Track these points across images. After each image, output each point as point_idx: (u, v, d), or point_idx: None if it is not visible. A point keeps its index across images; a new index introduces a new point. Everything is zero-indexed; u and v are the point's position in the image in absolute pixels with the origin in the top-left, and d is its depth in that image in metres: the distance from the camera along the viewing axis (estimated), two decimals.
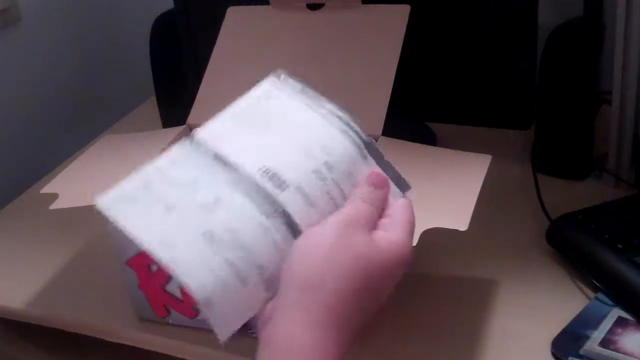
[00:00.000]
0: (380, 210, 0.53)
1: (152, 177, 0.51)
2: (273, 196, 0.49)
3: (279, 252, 0.48)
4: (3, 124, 1.16)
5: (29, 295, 0.85)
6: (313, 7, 0.84)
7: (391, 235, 0.51)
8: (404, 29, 0.79)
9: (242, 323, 0.48)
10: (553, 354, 0.68)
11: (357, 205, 0.52)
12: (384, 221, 0.53)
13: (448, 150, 0.75)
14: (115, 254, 0.74)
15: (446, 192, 0.68)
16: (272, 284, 0.48)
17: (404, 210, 0.53)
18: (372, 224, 0.52)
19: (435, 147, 0.82)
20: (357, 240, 0.50)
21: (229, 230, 0.47)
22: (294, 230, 0.49)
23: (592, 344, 0.67)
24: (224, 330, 0.47)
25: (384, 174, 0.55)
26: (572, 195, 0.89)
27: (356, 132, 0.55)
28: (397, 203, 0.54)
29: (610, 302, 0.72)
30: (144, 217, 0.49)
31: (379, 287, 0.51)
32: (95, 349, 0.85)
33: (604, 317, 0.70)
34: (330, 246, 0.49)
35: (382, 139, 0.76)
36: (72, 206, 0.73)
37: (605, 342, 0.67)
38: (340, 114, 0.55)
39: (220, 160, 0.50)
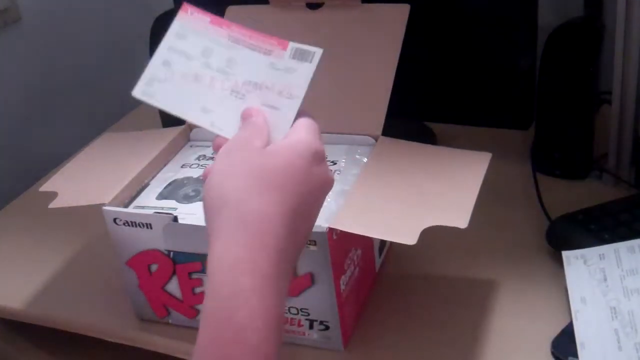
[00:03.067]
0: (265, 130, 0.55)
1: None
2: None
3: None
4: (3, 123, 1.16)
5: (29, 295, 0.85)
6: (312, 6, 0.84)
7: (289, 139, 0.54)
8: (404, 29, 0.79)
9: None
10: (553, 354, 0.68)
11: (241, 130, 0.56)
12: None
13: (448, 148, 0.76)
14: (115, 254, 0.74)
15: (446, 190, 0.69)
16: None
17: (301, 120, 0.56)
18: (263, 142, 0.54)
19: (435, 146, 0.82)
20: (247, 155, 0.52)
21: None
22: None
23: None
24: None
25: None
26: (572, 195, 0.89)
27: None
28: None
29: None
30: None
31: (295, 187, 0.51)
32: (95, 349, 0.85)
33: None
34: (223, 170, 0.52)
35: (382, 138, 0.76)
36: (71, 205, 0.73)
37: None
38: None
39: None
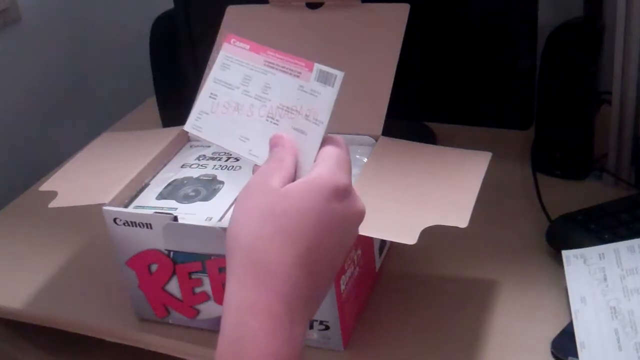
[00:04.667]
0: (289, 162, 0.54)
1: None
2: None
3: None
4: (3, 123, 1.16)
5: (29, 295, 0.85)
6: (312, 5, 0.84)
7: (308, 176, 0.52)
8: (404, 28, 0.79)
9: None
10: (553, 354, 0.68)
11: (258, 171, 0.54)
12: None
13: (448, 148, 0.75)
14: (115, 254, 0.74)
15: (446, 190, 0.69)
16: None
17: (325, 150, 0.54)
18: (282, 179, 0.52)
19: (435, 146, 0.82)
20: (261, 198, 0.51)
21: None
22: None
23: None
24: None
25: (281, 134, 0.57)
26: (572, 195, 0.89)
27: None
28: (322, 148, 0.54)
29: None
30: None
31: (310, 229, 0.50)
32: (95, 349, 0.85)
33: None
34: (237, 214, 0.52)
35: (382, 138, 0.76)
36: (71, 205, 0.73)
37: None
38: None
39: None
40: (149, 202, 0.74)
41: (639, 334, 0.64)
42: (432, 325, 0.73)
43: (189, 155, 0.81)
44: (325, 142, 0.55)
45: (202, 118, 0.60)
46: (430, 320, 0.74)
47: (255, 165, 0.57)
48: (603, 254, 0.73)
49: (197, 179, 0.76)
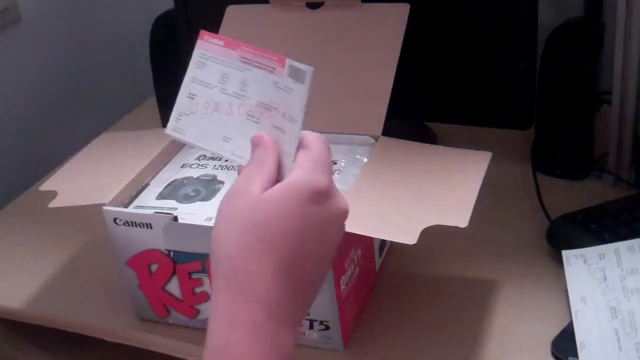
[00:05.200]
0: (269, 164, 0.52)
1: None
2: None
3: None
4: (3, 123, 1.16)
5: (29, 295, 0.85)
6: (312, 5, 0.84)
7: (285, 181, 0.51)
8: (404, 28, 0.79)
9: None
10: (553, 354, 0.68)
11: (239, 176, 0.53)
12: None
13: (448, 148, 0.75)
14: (115, 254, 0.74)
15: (446, 190, 0.69)
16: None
17: (302, 152, 0.52)
18: (263, 183, 0.51)
19: (435, 146, 0.82)
20: (241, 207, 0.50)
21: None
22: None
23: None
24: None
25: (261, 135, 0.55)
26: (572, 195, 0.89)
27: None
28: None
29: None
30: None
31: (289, 236, 0.49)
32: (95, 349, 0.85)
33: None
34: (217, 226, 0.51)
35: (382, 138, 0.76)
36: (71, 205, 0.73)
37: None
38: None
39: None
40: (149, 202, 0.74)
41: (639, 334, 0.64)
42: (432, 325, 0.73)
43: (189, 155, 0.81)
44: (301, 142, 0.53)
45: (182, 119, 0.59)
46: (430, 320, 0.74)
47: (240, 166, 0.56)
48: (603, 254, 0.73)
49: (197, 179, 0.76)
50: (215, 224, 0.51)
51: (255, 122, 0.56)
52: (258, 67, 0.56)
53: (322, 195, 0.50)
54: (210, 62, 0.58)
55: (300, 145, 0.53)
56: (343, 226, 0.53)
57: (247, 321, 0.47)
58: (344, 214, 0.53)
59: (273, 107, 0.55)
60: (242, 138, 0.56)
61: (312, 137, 0.53)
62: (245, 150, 0.55)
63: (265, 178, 0.51)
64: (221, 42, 0.58)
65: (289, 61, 0.54)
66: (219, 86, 0.58)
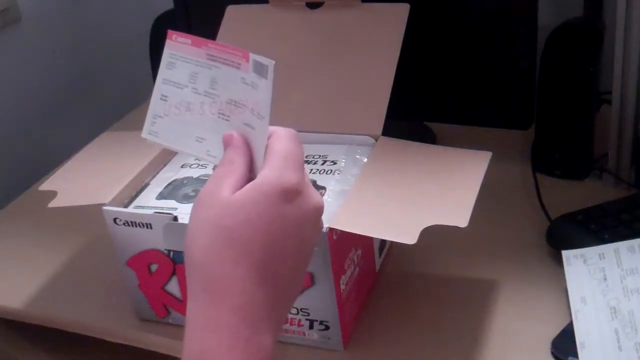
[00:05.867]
0: (240, 163, 0.52)
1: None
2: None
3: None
4: (3, 123, 1.16)
5: (29, 295, 0.85)
6: (312, 5, 0.84)
7: (254, 181, 0.50)
8: (404, 28, 0.79)
9: None
10: (553, 354, 0.68)
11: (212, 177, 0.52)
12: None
13: (448, 148, 0.76)
14: (115, 254, 0.74)
15: (446, 189, 0.69)
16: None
17: (270, 149, 0.51)
18: (233, 183, 0.50)
19: (435, 146, 0.82)
20: (211, 210, 0.49)
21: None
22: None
23: None
24: None
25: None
26: (572, 195, 0.89)
27: None
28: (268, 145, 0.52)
29: None
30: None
31: (261, 238, 0.48)
32: (95, 349, 0.85)
33: None
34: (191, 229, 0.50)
35: (382, 138, 0.76)
36: (70, 205, 0.73)
37: None
38: None
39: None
40: (149, 202, 0.74)
41: (639, 334, 0.64)
42: (432, 325, 0.73)
43: (189, 155, 0.81)
44: (272, 138, 0.52)
45: (157, 122, 0.58)
46: (430, 320, 0.74)
47: (215, 166, 0.55)
48: (603, 254, 0.73)
49: (197, 178, 0.76)
50: (187, 228, 0.50)
51: (226, 120, 0.55)
52: (225, 63, 0.55)
53: (293, 193, 0.49)
54: (179, 62, 0.57)
55: (269, 142, 0.52)
56: (319, 223, 0.52)
57: (224, 327, 0.47)
58: (318, 210, 0.51)
59: (242, 104, 0.54)
60: (216, 137, 0.55)
61: (282, 133, 0.52)
62: (218, 149, 0.55)
63: (235, 177, 0.50)
64: (189, 41, 0.57)
65: (252, 56, 0.53)
66: (189, 86, 0.57)
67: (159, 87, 0.58)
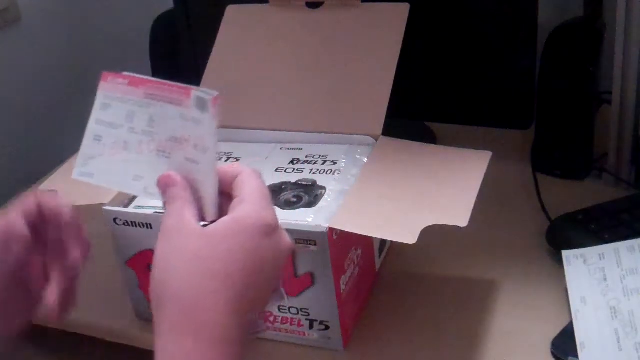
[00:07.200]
0: (190, 199, 0.52)
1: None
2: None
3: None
4: (3, 123, 1.16)
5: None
6: (312, 5, 0.84)
7: (236, 215, 0.50)
8: (404, 28, 0.79)
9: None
10: (553, 354, 0.68)
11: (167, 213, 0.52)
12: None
13: (448, 147, 0.76)
14: (115, 254, 0.74)
15: (446, 189, 0.69)
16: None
17: (248, 185, 0.52)
18: (195, 217, 0.51)
19: (435, 145, 0.82)
20: (185, 240, 0.49)
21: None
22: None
23: None
24: None
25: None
26: (572, 195, 0.89)
27: None
28: (236, 183, 0.52)
29: None
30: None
31: (240, 271, 0.48)
32: (95, 349, 0.85)
33: None
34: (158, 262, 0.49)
35: (382, 138, 0.76)
36: (70, 204, 0.73)
37: None
38: None
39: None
40: (149, 202, 0.74)
41: (639, 334, 0.64)
42: (432, 325, 0.73)
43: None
44: (244, 175, 0.53)
45: (89, 164, 0.58)
46: (431, 320, 0.74)
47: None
48: (603, 254, 0.73)
49: None
50: (155, 264, 0.50)
51: (166, 157, 0.55)
52: (164, 101, 0.55)
53: (272, 229, 0.50)
54: (115, 103, 0.57)
55: (242, 179, 0.52)
56: (287, 259, 0.53)
57: (201, 359, 0.46)
58: (290, 249, 0.53)
59: (184, 140, 0.54)
60: (155, 175, 0.54)
61: (250, 171, 0.53)
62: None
63: (192, 210, 0.51)
64: (125, 81, 0.57)
65: (194, 92, 0.53)
66: (126, 125, 0.56)
67: (92, 128, 0.58)
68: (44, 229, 0.57)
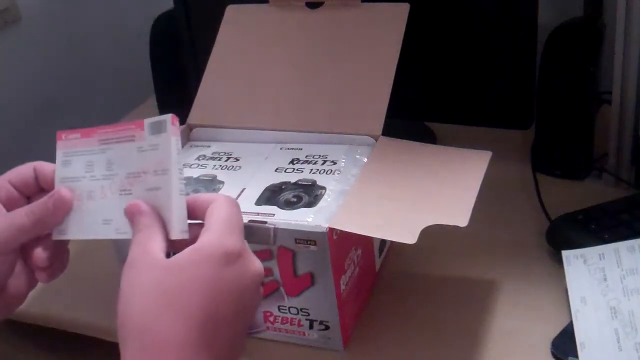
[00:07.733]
0: (156, 226, 0.52)
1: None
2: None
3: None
4: (3, 123, 1.16)
5: (29, 295, 0.85)
6: (312, 5, 0.84)
7: (196, 244, 0.50)
8: (404, 28, 0.79)
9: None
10: (553, 354, 0.68)
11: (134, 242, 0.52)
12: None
13: (448, 147, 0.76)
14: (115, 254, 0.74)
15: (446, 189, 0.69)
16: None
17: (212, 213, 0.52)
18: (160, 245, 0.51)
19: (435, 146, 0.82)
20: (147, 274, 0.49)
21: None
22: None
23: None
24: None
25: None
26: (572, 195, 0.89)
27: None
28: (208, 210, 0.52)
29: None
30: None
31: (201, 301, 0.48)
32: (95, 349, 0.85)
33: None
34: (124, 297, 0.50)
35: (382, 138, 0.76)
36: None
37: None
38: None
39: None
40: None
41: (639, 334, 0.64)
42: (432, 325, 0.73)
43: (189, 155, 0.81)
44: (215, 204, 0.53)
45: (62, 222, 0.59)
46: (430, 320, 0.74)
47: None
48: (603, 254, 0.73)
49: (197, 179, 0.76)
50: (121, 295, 0.50)
51: (128, 194, 0.56)
52: (118, 142, 0.56)
53: (234, 256, 0.50)
54: (73, 158, 0.59)
55: (210, 209, 0.52)
56: (259, 288, 0.52)
57: None
58: (259, 275, 0.52)
59: (142, 172, 0.55)
60: (121, 214, 0.55)
61: (222, 200, 0.53)
62: (127, 225, 0.55)
63: (159, 239, 0.51)
64: (78, 135, 0.59)
65: (147, 121, 0.55)
66: (87, 175, 0.58)
67: (58, 186, 0.59)
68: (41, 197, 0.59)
